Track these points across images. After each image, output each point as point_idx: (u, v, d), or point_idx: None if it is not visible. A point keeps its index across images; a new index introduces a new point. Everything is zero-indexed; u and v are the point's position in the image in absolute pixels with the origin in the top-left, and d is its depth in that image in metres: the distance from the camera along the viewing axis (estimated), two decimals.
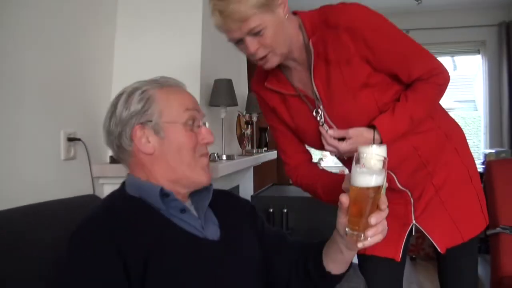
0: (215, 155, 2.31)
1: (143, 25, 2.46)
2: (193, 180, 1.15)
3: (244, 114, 2.92)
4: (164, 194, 1.11)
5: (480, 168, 3.28)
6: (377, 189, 0.91)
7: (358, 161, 0.91)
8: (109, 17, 2.41)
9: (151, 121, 1.13)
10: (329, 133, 1.40)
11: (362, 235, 0.95)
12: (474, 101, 6.85)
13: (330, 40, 1.33)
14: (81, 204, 1.32)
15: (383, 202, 0.96)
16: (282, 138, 1.58)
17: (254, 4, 1.21)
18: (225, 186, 2.67)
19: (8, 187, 1.60)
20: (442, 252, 1.53)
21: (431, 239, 1.52)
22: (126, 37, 2.46)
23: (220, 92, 2.47)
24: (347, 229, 0.97)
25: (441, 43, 5.83)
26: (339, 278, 1.21)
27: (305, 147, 1.62)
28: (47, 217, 1.33)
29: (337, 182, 1.17)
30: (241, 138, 2.89)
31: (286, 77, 1.45)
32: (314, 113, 1.43)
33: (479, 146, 6.42)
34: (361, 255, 1.60)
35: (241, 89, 3.06)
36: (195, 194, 1.20)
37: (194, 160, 1.14)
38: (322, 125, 1.43)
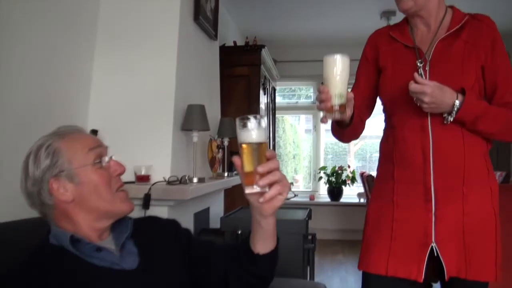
0: (186, 177, 2.38)
1: (120, 52, 2.55)
2: (115, 212, 1.23)
3: (216, 138, 3.01)
4: (76, 240, 1.16)
5: None
6: (260, 143, 1.03)
7: (244, 125, 1.03)
8: (88, 45, 2.49)
9: (63, 171, 1.18)
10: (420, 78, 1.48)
11: (256, 187, 1.04)
12: None
13: (470, 25, 1.58)
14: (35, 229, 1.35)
15: (271, 153, 1.05)
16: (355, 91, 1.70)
17: None
18: (195, 208, 2.74)
19: None
20: (446, 279, 1.54)
21: (443, 264, 1.52)
22: (104, 63, 2.54)
23: (192, 117, 2.56)
24: (245, 189, 1.06)
25: None
26: (270, 258, 1.24)
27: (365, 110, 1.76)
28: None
29: None
30: (212, 162, 2.97)
31: (409, 33, 1.65)
32: (418, 63, 1.58)
33: None
34: (381, 276, 1.59)
35: (214, 114, 3.15)
36: (115, 229, 1.27)
37: (112, 195, 1.22)
38: (421, 71, 1.56)
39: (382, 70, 1.69)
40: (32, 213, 1.53)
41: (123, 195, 1.25)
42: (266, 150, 1.05)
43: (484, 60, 1.55)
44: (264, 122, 1.04)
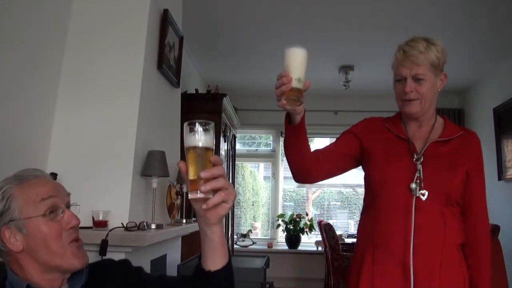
0: (145, 223, 2.37)
1: (83, 95, 2.57)
2: (66, 267, 1.18)
3: (175, 184, 3.02)
4: None
5: None
6: (205, 149, 1.03)
7: (191, 130, 1.04)
8: (51, 85, 2.51)
9: (13, 220, 1.14)
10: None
11: (199, 193, 1.01)
12: None
13: (460, 137, 1.75)
14: None
15: (216, 159, 1.04)
16: (331, 152, 1.85)
17: (430, 59, 1.66)
18: (153, 255, 2.71)
19: None
20: None
21: None
22: (65, 106, 2.55)
23: (153, 163, 2.58)
24: (189, 194, 1.04)
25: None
26: (221, 275, 1.18)
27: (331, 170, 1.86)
28: None
29: None
30: (171, 208, 2.97)
31: (403, 127, 1.81)
32: (415, 157, 1.71)
33: None
34: None
35: (173, 160, 3.17)
36: (71, 278, 1.24)
37: (63, 248, 1.16)
38: (419, 164, 1.70)
39: (370, 154, 1.80)
40: None
41: (75, 249, 1.19)
42: (211, 156, 1.03)
43: (468, 168, 1.71)
44: (211, 129, 1.04)
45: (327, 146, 1.88)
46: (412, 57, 1.66)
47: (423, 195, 1.64)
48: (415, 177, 1.67)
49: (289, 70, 1.43)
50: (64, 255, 1.16)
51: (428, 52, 1.66)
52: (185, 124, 1.04)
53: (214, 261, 1.17)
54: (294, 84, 1.43)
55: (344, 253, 4.63)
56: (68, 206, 1.22)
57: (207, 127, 1.04)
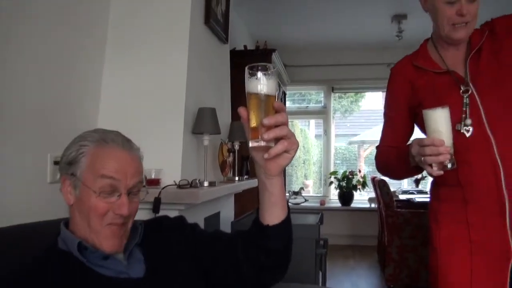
0: (197, 181, 2.36)
1: (130, 54, 2.54)
2: (97, 245, 1.13)
3: (226, 142, 2.99)
4: (83, 247, 1.12)
5: None
6: (267, 95, 0.97)
7: (253, 75, 0.97)
8: (99, 46, 2.49)
9: (74, 175, 1.14)
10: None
11: (261, 141, 0.96)
12: None
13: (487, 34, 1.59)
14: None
15: (279, 105, 0.97)
16: (392, 127, 1.79)
17: None
18: (206, 212, 2.72)
19: None
20: None
21: None
22: (114, 65, 2.53)
23: (203, 120, 2.54)
24: (250, 142, 0.98)
25: None
26: (280, 228, 1.13)
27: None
28: (14, 241, 1.33)
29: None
30: (223, 166, 2.95)
31: (433, 58, 1.66)
32: (462, 89, 1.56)
33: None
34: None
35: (224, 118, 3.13)
36: None
37: (100, 227, 1.12)
38: (466, 97, 1.55)
39: (423, 104, 1.62)
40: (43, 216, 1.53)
41: (109, 232, 1.13)
42: (274, 103, 0.97)
43: None
44: (274, 73, 0.98)
45: (395, 135, 1.78)
46: None
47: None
48: (465, 111, 1.54)
49: (441, 136, 1.38)
50: (98, 234, 1.13)
51: None
52: (246, 68, 0.98)
53: (273, 215, 1.13)
54: (451, 150, 1.39)
55: (398, 210, 4.53)
56: (132, 190, 1.16)
57: (269, 72, 0.98)
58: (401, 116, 1.75)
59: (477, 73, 1.56)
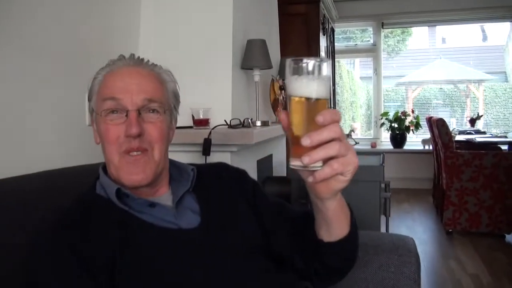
0: (249, 120, 2.14)
1: None
2: (123, 182, 0.99)
3: (278, 78, 2.73)
4: (124, 194, 0.99)
5: None
6: (317, 101, 0.73)
7: (298, 71, 0.73)
8: None
9: (93, 110, 1.05)
10: None
11: (301, 162, 0.72)
12: (504, 72, 6.58)
13: None
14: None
15: (330, 115, 0.71)
16: None
17: None
18: (259, 155, 2.52)
19: (26, 152, 1.50)
20: None
21: None
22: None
23: (253, 54, 2.30)
24: (290, 160, 0.75)
25: (468, 9, 5.54)
26: (336, 247, 0.96)
27: None
28: (53, 185, 1.25)
29: None
30: (275, 104, 2.71)
31: None
32: None
33: (510, 118, 6.16)
34: None
35: (273, 53, 2.87)
36: (174, 180, 1.10)
37: (117, 157, 0.99)
38: None
39: None
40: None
41: (127, 160, 0.99)
42: (324, 111, 0.72)
43: None
44: (327, 69, 0.74)
45: None
46: None
47: None
48: None
49: None
50: (119, 166, 0.99)
51: None
52: (288, 61, 0.74)
53: (328, 232, 0.95)
54: None
55: (458, 151, 4.24)
56: (143, 107, 1.00)
57: (321, 67, 0.73)
58: None
59: None
